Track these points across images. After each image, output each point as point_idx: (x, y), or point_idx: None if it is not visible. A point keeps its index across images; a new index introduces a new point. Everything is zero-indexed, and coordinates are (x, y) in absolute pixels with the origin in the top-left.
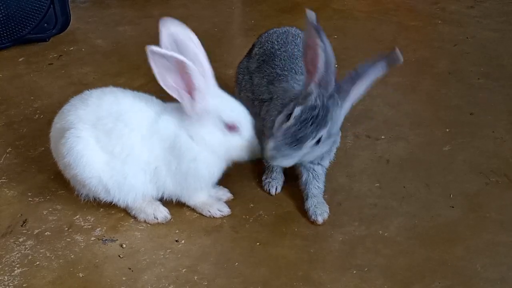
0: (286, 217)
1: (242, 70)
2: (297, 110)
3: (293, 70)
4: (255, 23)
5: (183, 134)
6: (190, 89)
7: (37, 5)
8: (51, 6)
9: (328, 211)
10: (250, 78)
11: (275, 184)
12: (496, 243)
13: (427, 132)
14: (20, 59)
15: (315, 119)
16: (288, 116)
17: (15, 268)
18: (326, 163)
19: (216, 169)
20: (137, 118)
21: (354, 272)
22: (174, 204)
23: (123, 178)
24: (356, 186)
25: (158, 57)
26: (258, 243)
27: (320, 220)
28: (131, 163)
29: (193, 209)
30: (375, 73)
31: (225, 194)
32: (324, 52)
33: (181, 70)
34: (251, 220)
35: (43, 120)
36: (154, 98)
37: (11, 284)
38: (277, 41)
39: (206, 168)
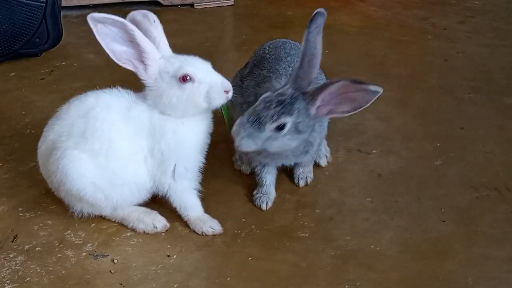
0: (278, 231)
1: (235, 75)
2: (267, 94)
3: (278, 72)
4: (247, 37)
5: (155, 113)
6: (141, 56)
7: (29, 20)
8: (43, 21)
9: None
10: (241, 81)
11: (265, 200)
12: (487, 257)
13: (418, 146)
14: (11, 74)
15: (280, 104)
16: None
17: (6, 285)
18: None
19: (199, 132)
20: (105, 111)
21: (346, 287)
22: (166, 218)
23: (113, 173)
24: (348, 200)
25: (101, 26)
26: (250, 258)
27: (301, 183)
28: (114, 156)
29: (184, 224)
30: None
31: (215, 226)
32: (304, 49)
33: (128, 36)
34: (243, 235)
35: (34, 135)
36: (121, 89)
37: None
38: (269, 47)
39: (189, 135)
